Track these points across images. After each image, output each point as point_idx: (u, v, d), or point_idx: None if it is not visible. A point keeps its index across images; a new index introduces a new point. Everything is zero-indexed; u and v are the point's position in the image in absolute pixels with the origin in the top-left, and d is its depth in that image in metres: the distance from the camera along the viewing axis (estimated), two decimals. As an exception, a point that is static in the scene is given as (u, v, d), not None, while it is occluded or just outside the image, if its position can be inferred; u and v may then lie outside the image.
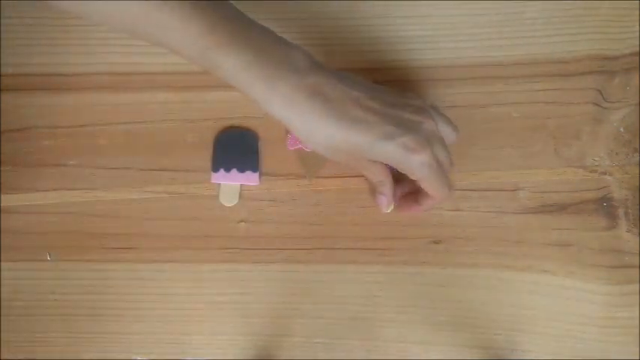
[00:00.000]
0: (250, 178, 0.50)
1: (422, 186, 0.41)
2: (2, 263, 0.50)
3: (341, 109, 0.38)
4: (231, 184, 0.50)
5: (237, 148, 0.50)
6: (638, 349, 0.48)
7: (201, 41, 0.37)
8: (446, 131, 0.43)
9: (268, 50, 0.38)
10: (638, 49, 0.50)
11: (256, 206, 0.50)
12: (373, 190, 0.48)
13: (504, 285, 0.49)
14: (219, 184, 0.50)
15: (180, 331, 0.49)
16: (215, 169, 0.50)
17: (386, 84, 0.50)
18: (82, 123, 0.51)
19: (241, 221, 0.50)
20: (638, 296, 0.49)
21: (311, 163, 0.50)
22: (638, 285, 0.49)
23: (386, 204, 0.45)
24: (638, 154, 0.50)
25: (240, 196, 0.50)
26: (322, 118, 0.38)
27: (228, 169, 0.50)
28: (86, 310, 0.50)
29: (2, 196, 0.50)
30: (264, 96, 0.38)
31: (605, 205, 0.49)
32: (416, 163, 0.39)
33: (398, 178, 0.45)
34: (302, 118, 0.38)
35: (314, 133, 0.38)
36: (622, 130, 0.50)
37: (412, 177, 0.41)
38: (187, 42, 0.37)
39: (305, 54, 0.39)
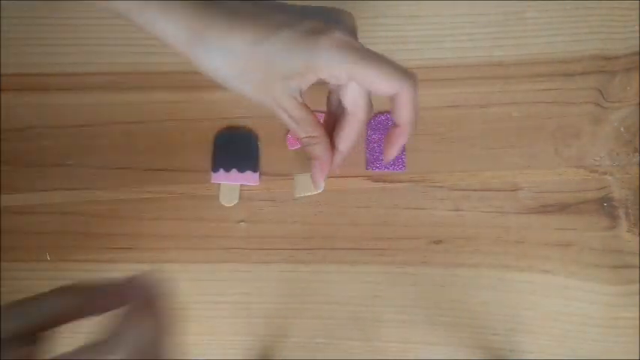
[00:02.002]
0: (250, 178, 0.50)
1: (366, 85, 0.32)
2: (2, 263, 0.50)
3: (233, 8, 0.32)
4: (231, 184, 0.50)
5: (236, 148, 0.50)
6: (638, 349, 0.48)
7: None
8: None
9: None
10: (638, 49, 0.50)
11: (256, 206, 0.50)
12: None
13: (505, 285, 0.49)
14: (219, 184, 0.50)
15: (180, 332, 0.49)
16: (215, 169, 0.50)
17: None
18: (82, 123, 0.51)
19: (241, 221, 0.50)
20: (638, 296, 0.48)
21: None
22: (638, 285, 0.48)
23: (319, 173, 0.35)
24: (638, 154, 0.50)
25: (240, 196, 0.50)
26: (211, 18, 0.32)
27: (228, 169, 0.50)
28: (86, 310, 0.50)
29: (2, 196, 0.50)
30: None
31: (605, 205, 0.49)
32: (329, 47, 0.31)
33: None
34: (185, 25, 0.32)
35: (203, 41, 0.32)
36: (622, 130, 0.50)
37: (340, 75, 0.31)
38: None
39: None
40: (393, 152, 0.36)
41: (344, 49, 0.31)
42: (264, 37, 0.31)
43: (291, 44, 0.31)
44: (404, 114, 0.33)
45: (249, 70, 0.32)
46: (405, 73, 0.32)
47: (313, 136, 0.34)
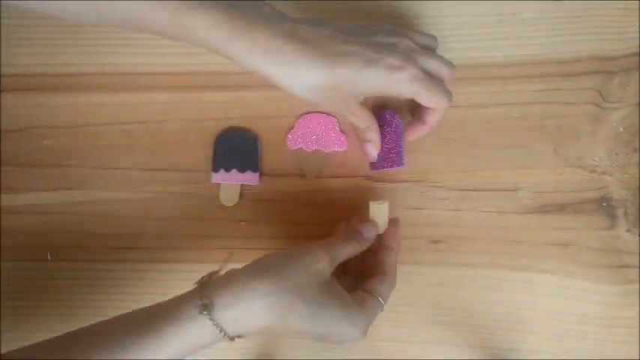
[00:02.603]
0: (250, 178, 0.50)
1: (421, 102, 0.42)
2: (2, 263, 0.50)
3: (321, 47, 0.39)
4: (231, 183, 0.50)
5: (237, 148, 0.50)
6: (638, 349, 0.48)
7: (171, 5, 0.37)
8: (426, 41, 0.45)
9: (237, 5, 0.38)
10: (637, 49, 0.50)
11: (256, 206, 0.50)
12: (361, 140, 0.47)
13: (504, 284, 0.49)
14: (220, 183, 0.50)
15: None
16: (215, 169, 0.50)
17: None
18: (82, 123, 0.51)
19: (241, 221, 0.50)
20: (637, 296, 0.49)
21: (311, 163, 0.50)
22: (637, 285, 0.49)
23: (375, 150, 0.47)
24: (637, 154, 0.50)
25: (241, 196, 0.50)
26: (305, 59, 0.39)
27: (228, 169, 0.50)
28: (86, 310, 0.50)
29: (2, 196, 0.50)
30: (243, 48, 0.38)
31: (604, 205, 0.50)
32: (404, 80, 0.40)
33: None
34: (285, 64, 0.39)
35: (298, 76, 0.39)
36: (621, 130, 0.50)
37: (407, 96, 0.42)
38: (157, 8, 0.37)
39: (271, 6, 0.40)
40: (415, 137, 0.48)
41: (414, 82, 0.41)
42: (350, 75, 0.40)
43: (374, 78, 0.40)
44: (433, 120, 0.45)
45: (333, 93, 0.41)
46: (446, 95, 0.43)
47: (369, 125, 0.45)
